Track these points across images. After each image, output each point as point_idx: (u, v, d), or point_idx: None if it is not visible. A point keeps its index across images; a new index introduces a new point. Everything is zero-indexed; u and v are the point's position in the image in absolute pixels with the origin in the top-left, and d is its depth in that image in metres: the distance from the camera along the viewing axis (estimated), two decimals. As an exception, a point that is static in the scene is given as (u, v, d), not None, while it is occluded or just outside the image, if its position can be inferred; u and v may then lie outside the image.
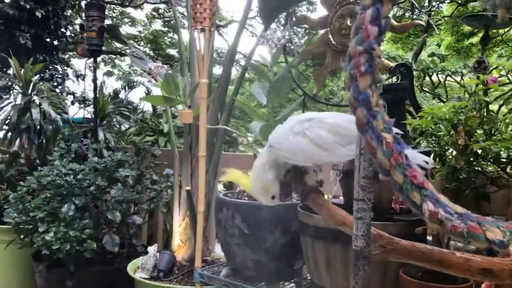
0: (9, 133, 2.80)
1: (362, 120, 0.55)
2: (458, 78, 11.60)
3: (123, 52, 10.83)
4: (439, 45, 10.88)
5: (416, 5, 1.76)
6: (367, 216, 0.81)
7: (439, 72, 11.48)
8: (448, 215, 0.54)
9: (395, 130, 0.61)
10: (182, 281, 2.00)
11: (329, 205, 0.94)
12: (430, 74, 11.82)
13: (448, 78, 11.82)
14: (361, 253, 0.80)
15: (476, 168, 1.39)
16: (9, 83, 3.15)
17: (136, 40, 13.12)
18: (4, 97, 3.18)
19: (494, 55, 9.81)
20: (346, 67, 0.57)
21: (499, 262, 0.67)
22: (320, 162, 1.04)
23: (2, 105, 2.91)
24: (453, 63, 10.78)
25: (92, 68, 2.96)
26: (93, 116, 2.96)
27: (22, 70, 2.87)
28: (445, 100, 11.11)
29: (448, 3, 9.24)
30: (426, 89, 12.47)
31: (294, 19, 2.32)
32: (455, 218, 0.54)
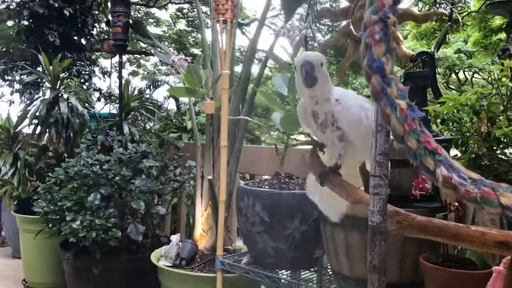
0: (38, 127, 2.90)
1: (376, 88, 0.56)
2: (486, 75, 11.31)
3: (148, 51, 11.00)
4: (465, 42, 10.63)
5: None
6: (384, 192, 0.82)
7: (466, 69, 11.20)
8: (462, 180, 0.54)
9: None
10: (204, 269, 2.04)
11: (346, 185, 0.95)
12: (457, 71, 11.55)
13: (475, 75, 11.54)
14: (377, 228, 0.81)
15: (499, 155, 1.37)
16: (39, 79, 3.26)
17: (160, 40, 13.27)
18: (34, 92, 3.29)
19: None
20: (362, 36, 0.58)
21: (515, 234, 0.67)
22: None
23: (32, 100, 3.01)
24: (481, 59, 10.51)
25: (114, 67, 3.03)
26: (118, 111, 3.03)
27: (51, 66, 2.96)
28: (472, 97, 10.82)
29: (476, -3, 9.02)
30: (452, 86, 12.21)
31: (316, 11, 2.33)
32: (468, 183, 0.54)
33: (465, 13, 7.19)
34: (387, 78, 0.55)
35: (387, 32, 0.55)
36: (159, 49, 2.69)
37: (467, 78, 11.89)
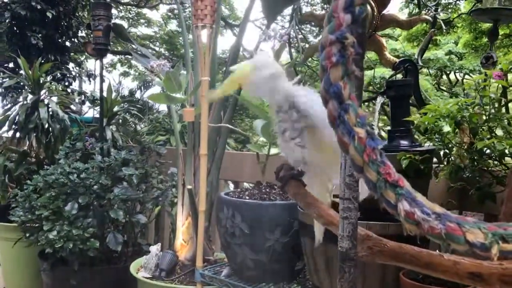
0: (18, 132, 2.83)
1: (333, 114, 0.52)
2: (475, 77, 11.34)
3: (135, 45, 10.96)
4: (456, 43, 10.66)
5: (423, 0, 1.71)
6: (353, 216, 0.77)
7: (457, 71, 11.25)
8: (425, 216, 0.50)
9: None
10: (184, 280, 1.99)
11: (317, 203, 0.90)
12: (448, 72, 11.59)
13: (466, 76, 11.59)
14: (347, 254, 0.77)
15: (481, 167, 1.34)
16: (21, 83, 3.19)
17: (151, 40, 13.22)
18: (15, 96, 3.22)
19: (513, 52, 9.57)
20: (319, 57, 0.54)
21: (488, 266, 0.63)
22: None
23: (12, 104, 2.94)
24: (471, 61, 10.55)
25: (104, 68, 2.96)
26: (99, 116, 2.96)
27: (31, 70, 2.89)
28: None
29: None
30: (443, 88, 12.25)
31: (299, 15, 2.29)
32: (432, 219, 0.50)
33: (454, 17, 7.19)
34: (345, 104, 0.51)
35: (344, 54, 0.50)
36: (138, 51, 2.63)
37: (458, 80, 11.94)
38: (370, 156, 0.51)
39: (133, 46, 2.60)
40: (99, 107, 2.86)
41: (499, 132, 1.36)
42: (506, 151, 1.25)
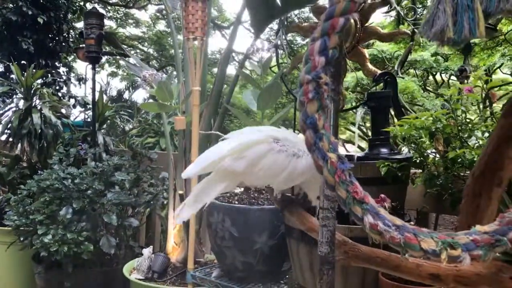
0: (11, 138, 2.88)
1: (310, 141, 0.61)
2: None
3: (126, 54, 10.92)
4: (442, 45, 10.82)
5: (402, 15, 1.81)
6: (331, 224, 0.87)
7: (443, 71, 11.43)
8: (387, 227, 0.59)
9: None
10: (175, 282, 2.07)
11: (301, 213, 1.00)
12: (434, 73, 11.78)
13: (452, 77, 11.80)
14: (326, 258, 0.86)
15: (454, 174, 1.44)
16: (12, 88, 3.23)
17: (140, 41, 13.21)
18: (7, 101, 3.26)
19: (496, 55, 9.79)
20: (298, 93, 0.63)
21: (445, 268, 0.73)
22: None
23: (4, 110, 2.99)
24: (456, 62, 10.73)
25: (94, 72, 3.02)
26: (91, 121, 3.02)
27: (24, 75, 2.94)
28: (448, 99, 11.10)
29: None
30: (429, 88, 12.45)
31: (287, 26, 2.37)
32: (392, 230, 0.59)
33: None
34: (319, 133, 0.60)
35: (319, 91, 0.59)
36: (131, 59, 2.70)
37: (443, 80, 12.16)
38: (341, 177, 0.60)
39: (124, 54, 2.66)
40: (90, 111, 2.92)
41: (471, 141, 1.47)
42: (476, 159, 1.35)
